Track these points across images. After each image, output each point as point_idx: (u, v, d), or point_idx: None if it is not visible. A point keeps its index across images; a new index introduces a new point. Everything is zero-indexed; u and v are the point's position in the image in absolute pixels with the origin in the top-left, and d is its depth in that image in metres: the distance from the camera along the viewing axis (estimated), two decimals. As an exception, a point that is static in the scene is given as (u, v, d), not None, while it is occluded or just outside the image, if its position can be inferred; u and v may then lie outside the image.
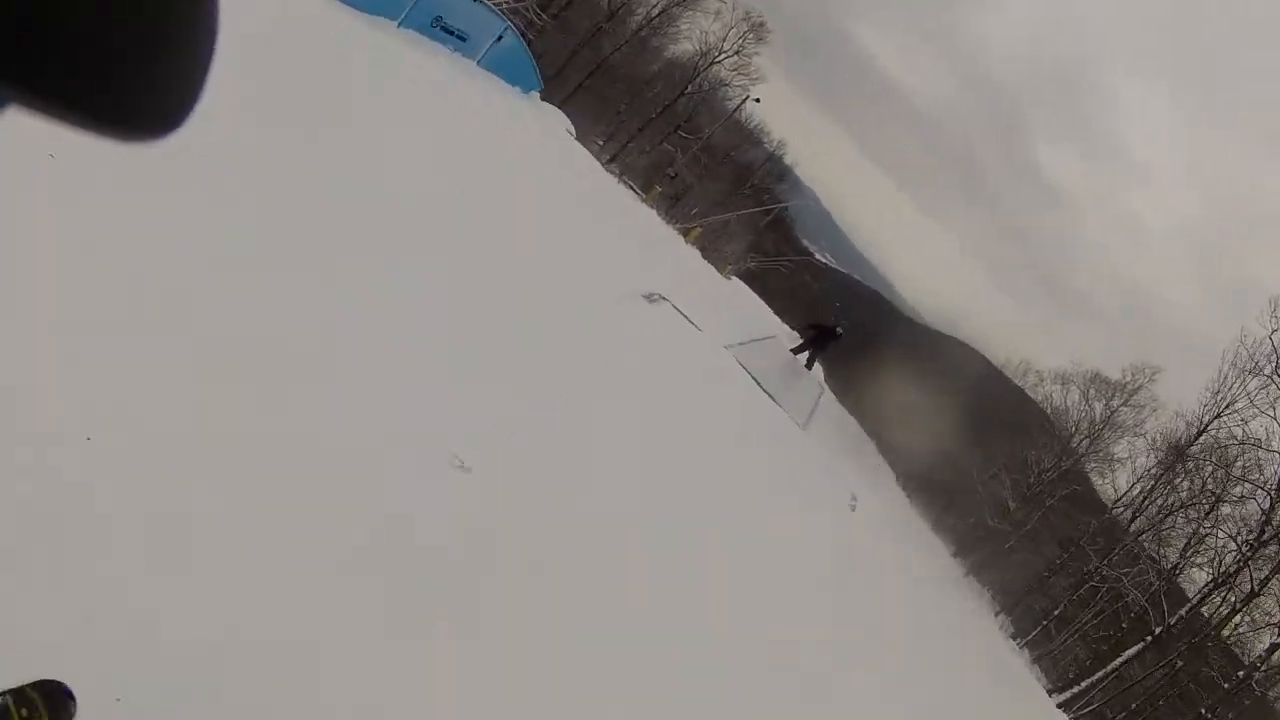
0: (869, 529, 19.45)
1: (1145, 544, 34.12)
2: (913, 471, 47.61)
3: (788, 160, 67.40)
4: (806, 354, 25.18)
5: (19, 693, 2.30)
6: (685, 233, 43.03)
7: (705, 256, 49.94)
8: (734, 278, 59.60)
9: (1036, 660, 33.55)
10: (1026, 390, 51.34)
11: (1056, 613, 35.55)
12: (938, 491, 45.11)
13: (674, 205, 49.21)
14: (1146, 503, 34.76)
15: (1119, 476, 38.11)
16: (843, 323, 27.05)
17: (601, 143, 45.41)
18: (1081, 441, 39.74)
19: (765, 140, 64.29)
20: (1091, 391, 41.05)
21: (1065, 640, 34.13)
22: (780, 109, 60.31)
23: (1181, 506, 33.46)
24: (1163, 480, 34.39)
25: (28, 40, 0.39)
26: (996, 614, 34.73)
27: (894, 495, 36.72)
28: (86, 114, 0.43)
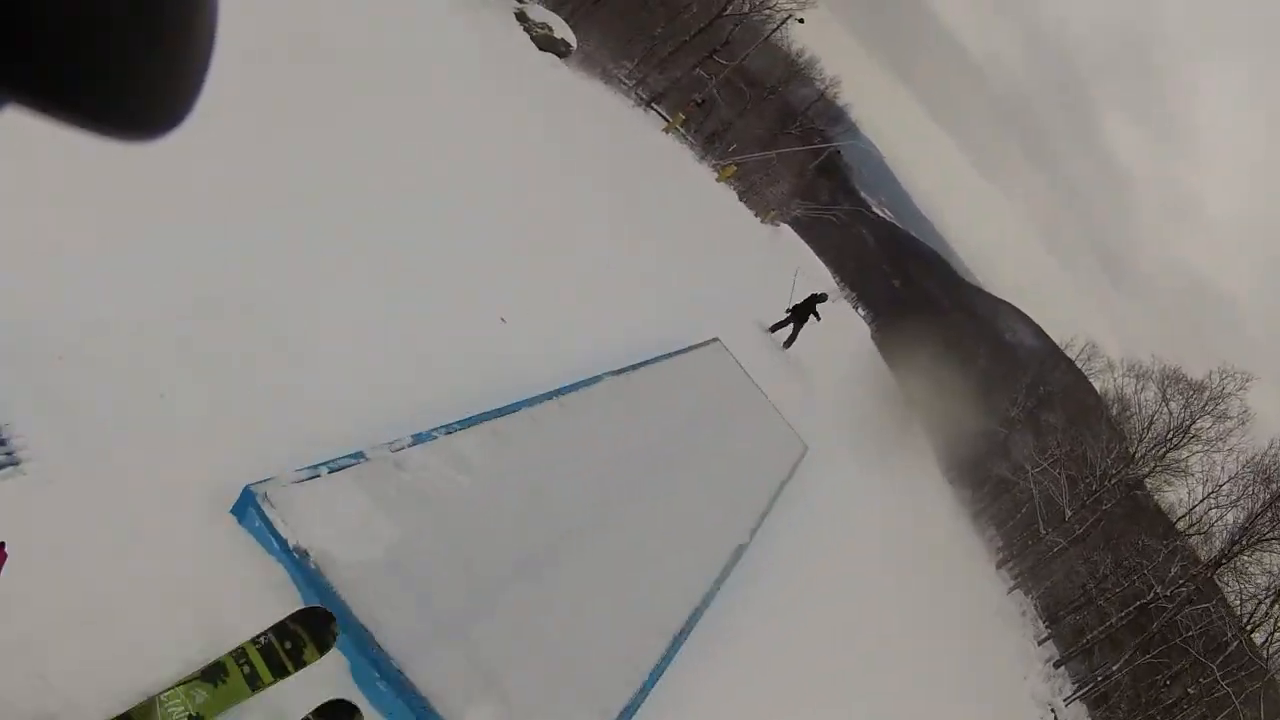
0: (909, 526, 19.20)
1: (1222, 582, 29.05)
2: (958, 456, 43.24)
3: (841, 103, 58.66)
4: (788, 330, 21.42)
5: (279, 627, 2.83)
6: (719, 171, 38.03)
7: (745, 200, 45.13)
8: (781, 224, 54.77)
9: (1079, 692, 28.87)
10: (1089, 376, 45.67)
11: (1100, 634, 30.77)
12: (985, 480, 40.45)
13: (710, 143, 43.72)
14: (1235, 540, 29.22)
15: (1185, 490, 32.90)
16: (821, 291, 22.48)
17: (630, 65, 40.08)
18: (1151, 449, 34.32)
19: (817, 79, 55.87)
20: (1169, 391, 35.47)
21: (1113, 670, 29.27)
22: (837, 53, 52.83)
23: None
24: (1262, 512, 29.00)
25: (26, 41, 0.39)
26: (1040, 641, 30.01)
27: (935, 485, 33.56)
28: (86, 114, 0.43)
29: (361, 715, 2.91)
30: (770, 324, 21.43)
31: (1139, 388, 36.49)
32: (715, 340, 14.74)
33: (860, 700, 9.41)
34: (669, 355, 11.87)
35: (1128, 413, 36.94)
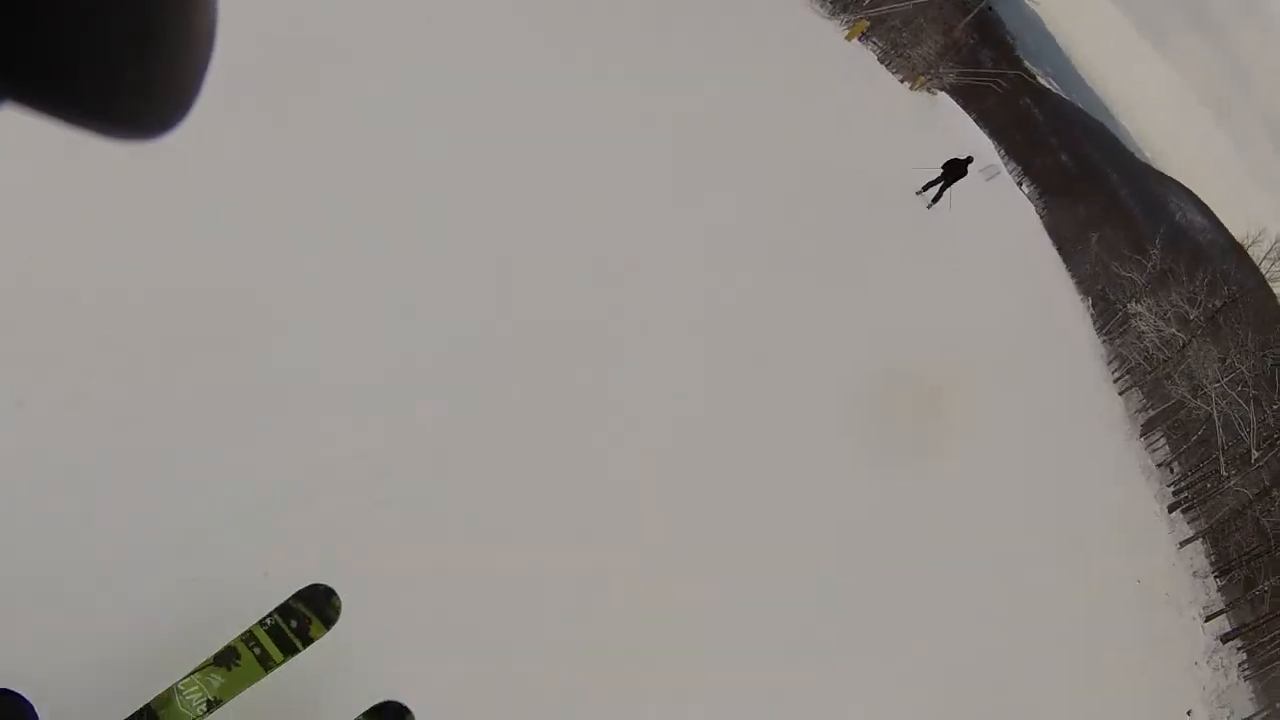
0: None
1: None
2: (1127, 355, 37.76)
3: None
4: (937, 189, 20.76)
5: (284, 608, 3.03)
6: (849, 26, 32.28)
7: (888, 64, 39.13)
8: (939, 93, 48.75)
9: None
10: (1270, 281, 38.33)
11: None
12: (1158, 396, 34.96)
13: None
14: None
15: None
16: (970, 156, 21.15)
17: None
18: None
19: None
20: None
21: None
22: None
23: None
24: None
25: (24, 39, 0.38)
26: (1209, 617, 24.69)
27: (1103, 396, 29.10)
28: (86, 113, 0.43)
29: (413, 716, 3.05)
30: (922, 184, 20.77)
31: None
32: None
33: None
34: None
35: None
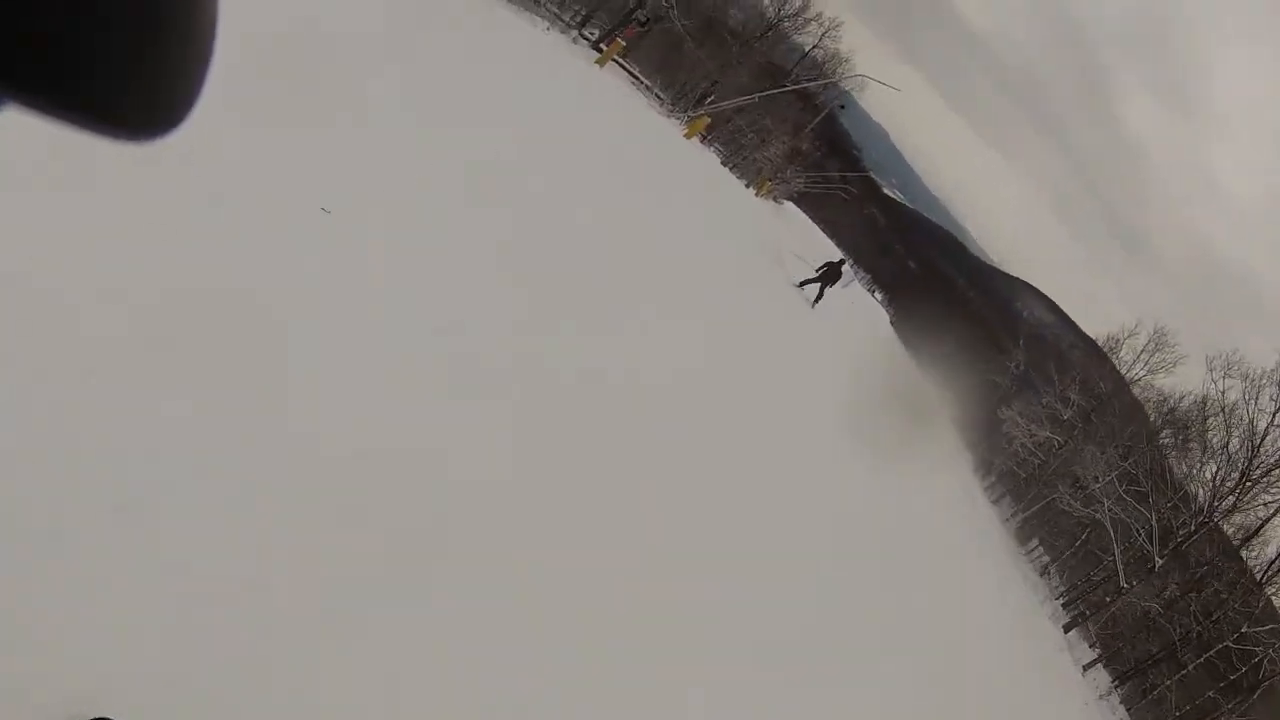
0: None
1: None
2: (999, 466, 36.28)
3: (841, 51, 45.78)
4: (817, 288, 22.33)
5: None
6: (687, 123, 30.13)
7: (730, 165, 37.19)
8: (785, 202, 47.61)
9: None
10: (1157, 370, 37.00)
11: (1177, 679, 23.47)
12: (1031, 496, 33.22)
13: (679, 96, 33.94)
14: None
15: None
16: (843, 259, 24.53)
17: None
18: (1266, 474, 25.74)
19: (813, 21, 44.26)
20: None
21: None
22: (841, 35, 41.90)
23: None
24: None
25: (26, 40, 0.39)
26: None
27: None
28: (86, 113, 0.43)
29: None
30: (799, 280, 22.36)
31: (1249, 392, 27.65)
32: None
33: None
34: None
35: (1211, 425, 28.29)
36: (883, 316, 58.68)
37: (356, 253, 6.13)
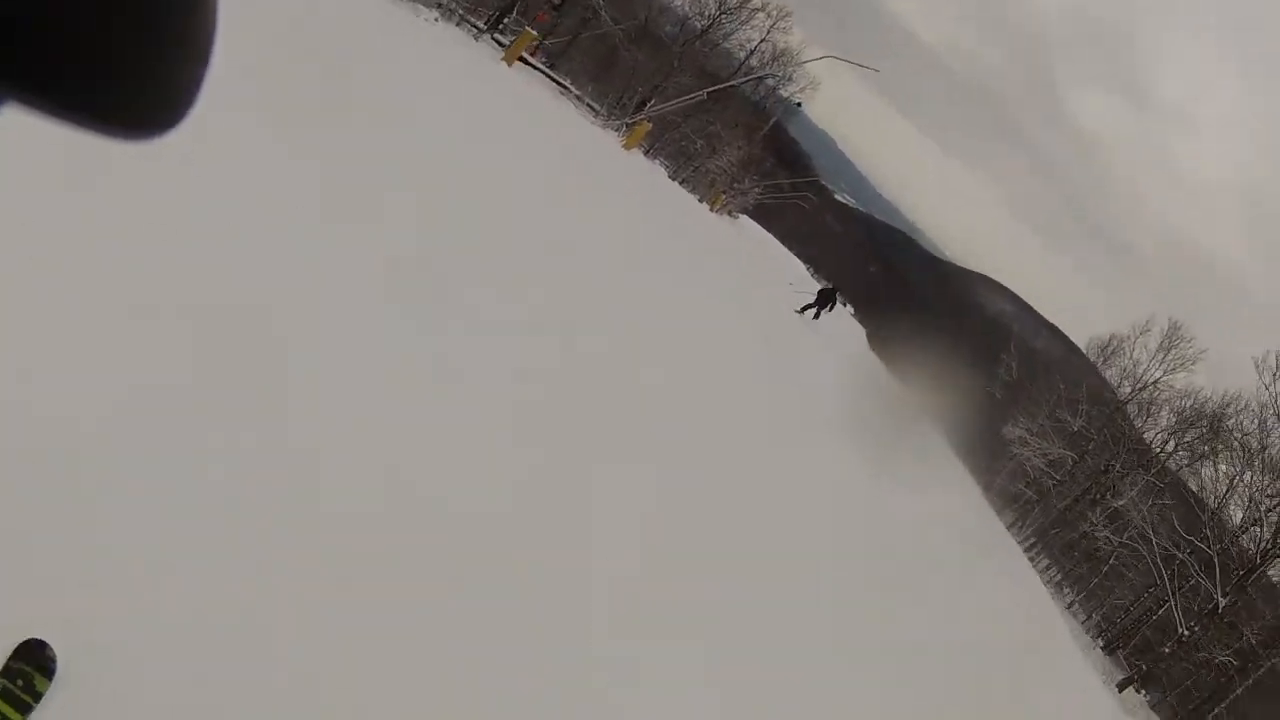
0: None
1: None
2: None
3: (790, 49, 41.98)
4: (814, 310, 24.09)
5: (5, 670, 2.63)
6: (626, 133, 25.99)
7: (680, 179, 33.44)
8: (740, 216, 44.48)
9: None
10: (1178, 369, 33.19)
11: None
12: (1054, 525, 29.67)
13: (615, 106, 29.68)
14: None
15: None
16: (834, 287, 26.18)
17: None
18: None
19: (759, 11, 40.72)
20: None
21: None
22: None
23: None
24: None
25: (25, 39, 0.39)
26: None
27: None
28: (86, 113, 0.43)
29: (50, 647, 2.72)
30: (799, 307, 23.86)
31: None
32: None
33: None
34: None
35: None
36: (859, 331, 56.35)
37: (356, 253, 6.21)
